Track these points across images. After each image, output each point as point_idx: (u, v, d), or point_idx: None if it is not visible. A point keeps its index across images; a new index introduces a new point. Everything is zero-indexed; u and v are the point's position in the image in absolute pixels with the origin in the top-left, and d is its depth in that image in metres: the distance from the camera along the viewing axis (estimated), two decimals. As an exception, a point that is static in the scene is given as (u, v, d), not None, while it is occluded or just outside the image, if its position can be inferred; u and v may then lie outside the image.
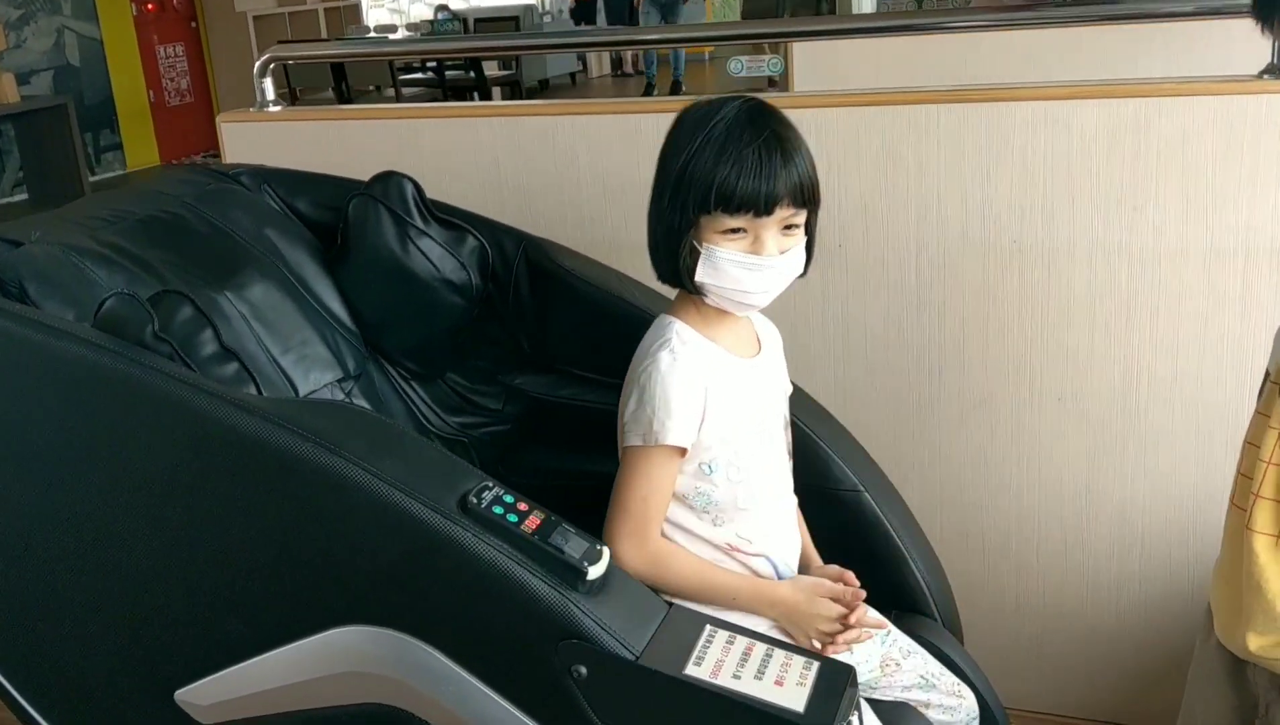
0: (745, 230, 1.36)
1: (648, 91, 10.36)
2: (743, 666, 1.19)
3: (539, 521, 1.21)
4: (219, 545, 1.32)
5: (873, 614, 1.51)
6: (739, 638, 1.23)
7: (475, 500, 1.21)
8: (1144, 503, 2.01)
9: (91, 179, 8.08)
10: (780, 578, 1.51)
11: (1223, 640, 1.20)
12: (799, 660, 1.21)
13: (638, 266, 2.10)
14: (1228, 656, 1.21)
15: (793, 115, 1.98)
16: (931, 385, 2.05)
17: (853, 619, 1.42)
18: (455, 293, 1.79)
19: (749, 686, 1.16)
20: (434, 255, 1.78)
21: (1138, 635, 2.09)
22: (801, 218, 1.39)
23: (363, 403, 1.76)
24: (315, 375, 1.68)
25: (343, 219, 1.80)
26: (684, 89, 10.24)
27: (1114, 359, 1.94)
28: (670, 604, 1.24)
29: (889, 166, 1.96)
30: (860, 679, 1.49)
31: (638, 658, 1.17)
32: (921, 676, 1.57)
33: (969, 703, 1.59)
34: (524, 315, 1.83)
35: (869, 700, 1.50)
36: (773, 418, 1.53)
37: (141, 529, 1.35)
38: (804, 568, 1.58)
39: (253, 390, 1.49)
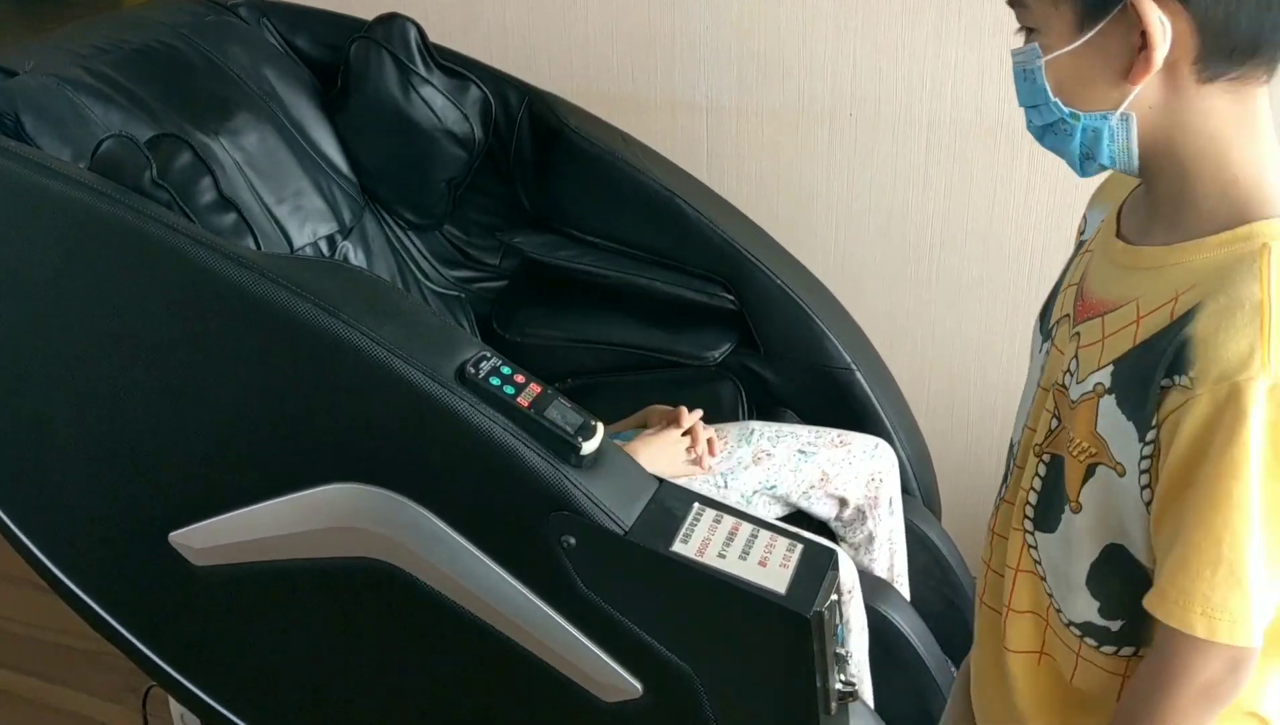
0: None
1: None
2: (728, 546, 1.21)
3: (535, 394, 1.21)
4: (214, 397, 1.32)
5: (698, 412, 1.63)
6: (726, 517, 1.25)
7: (473, 370, 1.21)
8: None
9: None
10: None
11: None
12: (783, 542, 1.23)
13: (645, 122, 2.07)
14: None
15: (811, -27, 1.93)
16: (930, 260, 2.04)
17: (685, 423, 1.58)
18: (456, 144, 1.76)
19: (733, 566, 1.19)
20: (436, 105, 1.74)
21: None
22: None
23: (358, 253, 1.74)
24: (310, 227, 1.66)
25: (343, 62, 1.75)
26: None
27: (1115, 246, 1.93)
28: (660, 481, 1.26)
29: (907, 35, 1.91)
30: (748, 481, 1.57)
31: (626, 532, 1.19)
32: (800, 452, 1.62)
33: (884, 452, 1.65)
34: (525, 172, 1.80)
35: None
36: None
37: (135, 376, 1.35)
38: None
39: (251, 243, 1.47)
